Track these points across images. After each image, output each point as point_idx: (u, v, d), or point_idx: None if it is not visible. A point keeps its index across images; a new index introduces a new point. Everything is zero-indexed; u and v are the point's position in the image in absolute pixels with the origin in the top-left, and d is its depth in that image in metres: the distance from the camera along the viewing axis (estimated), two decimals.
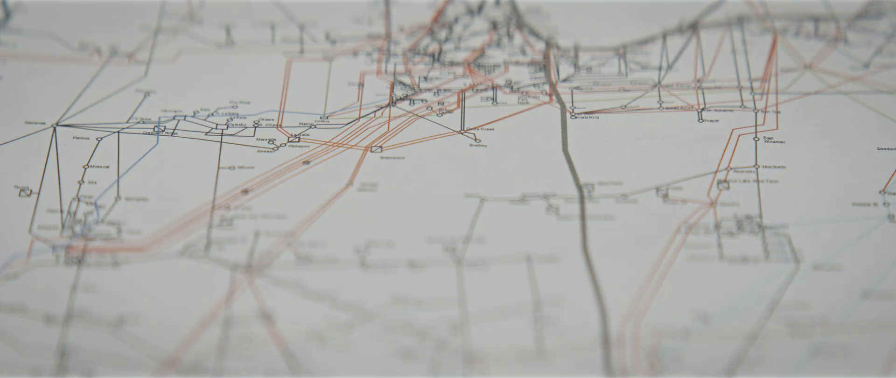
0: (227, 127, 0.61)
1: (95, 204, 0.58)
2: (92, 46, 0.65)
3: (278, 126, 0.61)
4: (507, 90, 0.63)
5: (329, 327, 0.53)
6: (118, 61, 0.65)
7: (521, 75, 0.64)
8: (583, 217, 0.57)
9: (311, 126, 0.61)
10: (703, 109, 0.62)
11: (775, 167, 0.59)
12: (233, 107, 0.62)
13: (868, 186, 0.58)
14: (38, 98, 0.63)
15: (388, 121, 0.62)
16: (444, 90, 0.63)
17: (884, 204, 0.57)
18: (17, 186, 0.58)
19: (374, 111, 0.62)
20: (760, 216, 0.57)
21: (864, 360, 0.52)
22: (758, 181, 0.59)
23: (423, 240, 0.56)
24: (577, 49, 0.65)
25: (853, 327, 0.53)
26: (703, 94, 0.63)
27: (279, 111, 0.62)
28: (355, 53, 0.65)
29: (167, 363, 0.52)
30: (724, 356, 0.52)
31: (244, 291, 0.54)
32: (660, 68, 0.64)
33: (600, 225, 0.57)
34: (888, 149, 0.60)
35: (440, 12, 0.68)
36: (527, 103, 0.63)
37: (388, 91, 0.63)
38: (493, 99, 0.63)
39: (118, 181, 0.59)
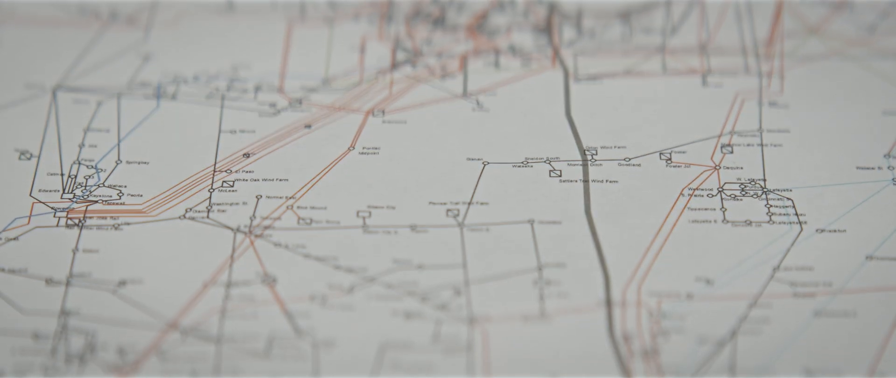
0: (228, 91, 0.61)
1: (96, 167, 0.58)
2: (91, 10, 0.65)
3: (280, 90, 0.61)
4: (510, 54, 0.63)
5: (331, 290, 0.53)
6: (118, 25, 0.64)
7: (524, 39, 0.64)
8: (586, 181, 0.57)
9: (313, 90, 0.61)
10: (707, 74, 0.62)
11: (779, 131, 0.59)
12: (234, 70, 0.62)
13: (872, 150, 0.58)
14: (38, 62, 0.62)
15: (390, 85, 0.61)
16: (447, 54, 0.63)
17: (888, 168, 0.57)
18: (17, 150, 0.58)
19: (376, 75, 0.62)
20: (764, 180, 0.57)
21: (866, 322, 0.52)
22: (762, 145, 0.58)
23: (425, 203, 0.56)
24: (580, 13, 0.65)
25: (856, 290, 0.53)
26: (708, 58, 0.63)
27: (280, 75, 0.62)
28: (357, 17, 0.65)
29: (169, 325, 0.52)
30: (727, 318, 0.52)
31: (246, 254, 0.54)
32: (664, 32, 0.64)
33: (603, 188, 0.57)
34: (893, 113, 0.59)
35: None
36: (530, 68, 0.62)
37: (389, 55, 0.63)
38: (495, 63, 0.63)
39: (119, 145, 0.58)
